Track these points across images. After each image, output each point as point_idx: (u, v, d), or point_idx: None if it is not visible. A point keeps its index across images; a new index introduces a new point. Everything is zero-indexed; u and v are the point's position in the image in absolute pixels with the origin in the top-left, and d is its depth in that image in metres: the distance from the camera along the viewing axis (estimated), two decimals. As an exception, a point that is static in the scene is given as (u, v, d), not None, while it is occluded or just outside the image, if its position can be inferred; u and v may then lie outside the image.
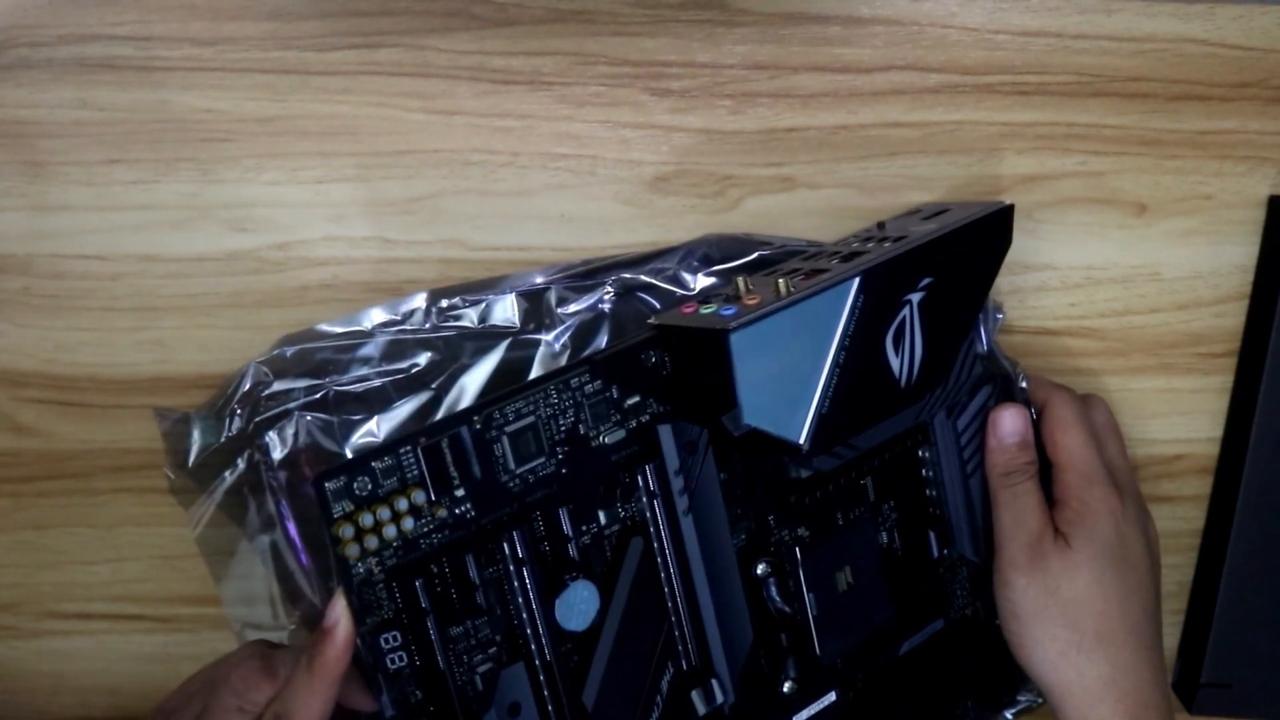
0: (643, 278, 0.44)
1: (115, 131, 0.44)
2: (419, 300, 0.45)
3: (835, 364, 0.39)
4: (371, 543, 0.36)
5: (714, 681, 0.42)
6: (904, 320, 0.40)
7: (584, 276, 0.45)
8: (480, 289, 0.45)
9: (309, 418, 0.43)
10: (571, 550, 0.39)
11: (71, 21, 0.42)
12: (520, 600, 0.38)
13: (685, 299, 0.44)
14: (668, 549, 0.41)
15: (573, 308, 0.44)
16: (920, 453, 0.45)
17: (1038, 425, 0.46)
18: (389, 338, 0.44)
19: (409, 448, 0.36)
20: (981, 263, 0.43)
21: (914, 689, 0.47)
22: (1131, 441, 0.50)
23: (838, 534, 0.44)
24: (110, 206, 0.45)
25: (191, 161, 0.44)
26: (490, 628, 0.38)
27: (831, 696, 0.45)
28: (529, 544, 0.38)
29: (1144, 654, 0.44)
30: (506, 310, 0.44)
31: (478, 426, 0.37)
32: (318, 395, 0.43)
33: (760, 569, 0.43)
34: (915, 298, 0.40)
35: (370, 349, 0.44)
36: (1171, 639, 0.54)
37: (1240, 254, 0.49)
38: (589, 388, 0.39)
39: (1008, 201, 0.43)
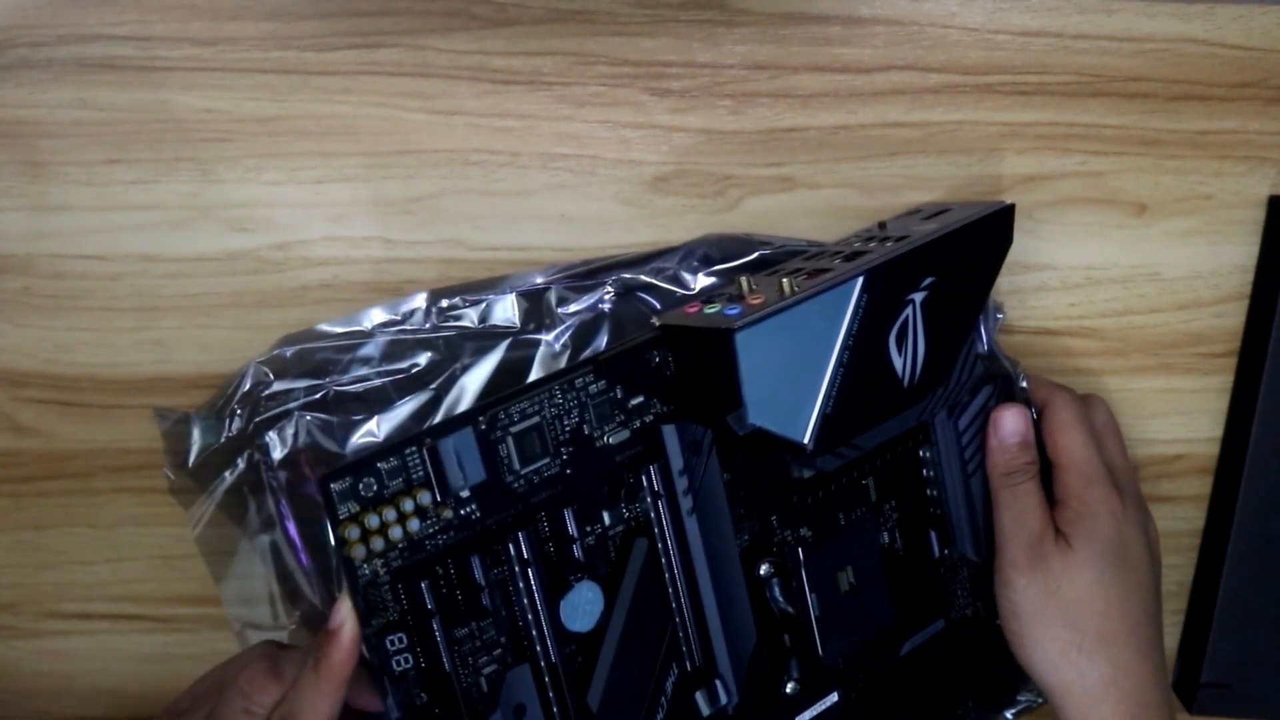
0: (643, 278, 0.44)
1: (115, 131, 0.44)
2: (419, 300, 0.45)
3: (839, 363, 0.39)
4: (377, 544, 0.35)
5: (718, 682, 0.42)
6: (907, 320, 0.40)
7: (584, 276, 0.45)
8: (480, 289, 0.45)
9: (309, 418, 0.43)
10: (576, 551, 0.39)
11: (71, 21, 0.42)
12: (525, 601, 0.38)
13: (686, 299, 0.44)
14: (672, 549, 0.41)
15: (573, 308, 0.44)
16: (921, 453, 0.45)
17: (1038, 425, 0.46)
18: (389, 338, 0.44)
19: (414, 448, 0.36)
20: (983, 262, 0.43)
21: (914, 689, 0.47)
22: (1131, 441, 0.50)
23: (840, 534, 0.44)
24: (110, 206, 0.45)
25: (191, 161, 0.44)
26: (495, 629, 0.38)
27: (834, 697, 0.45)
28: (534, 545, 0.38)
29: (1145, 654, 0.44)
30: (506, 310, 0.44)
31: (483, 427, 0.37)
32: (318, 395, 0.43)
33: (763, 569, 0.43)
34: (918, 297, 0.40)
35: (370, 349, 0.44)
36: (1171, 639, 0.54)
37: (1240, 254, 0.49)
38: (593, 388, 0.38)
39: (1008, 201, 0.43)
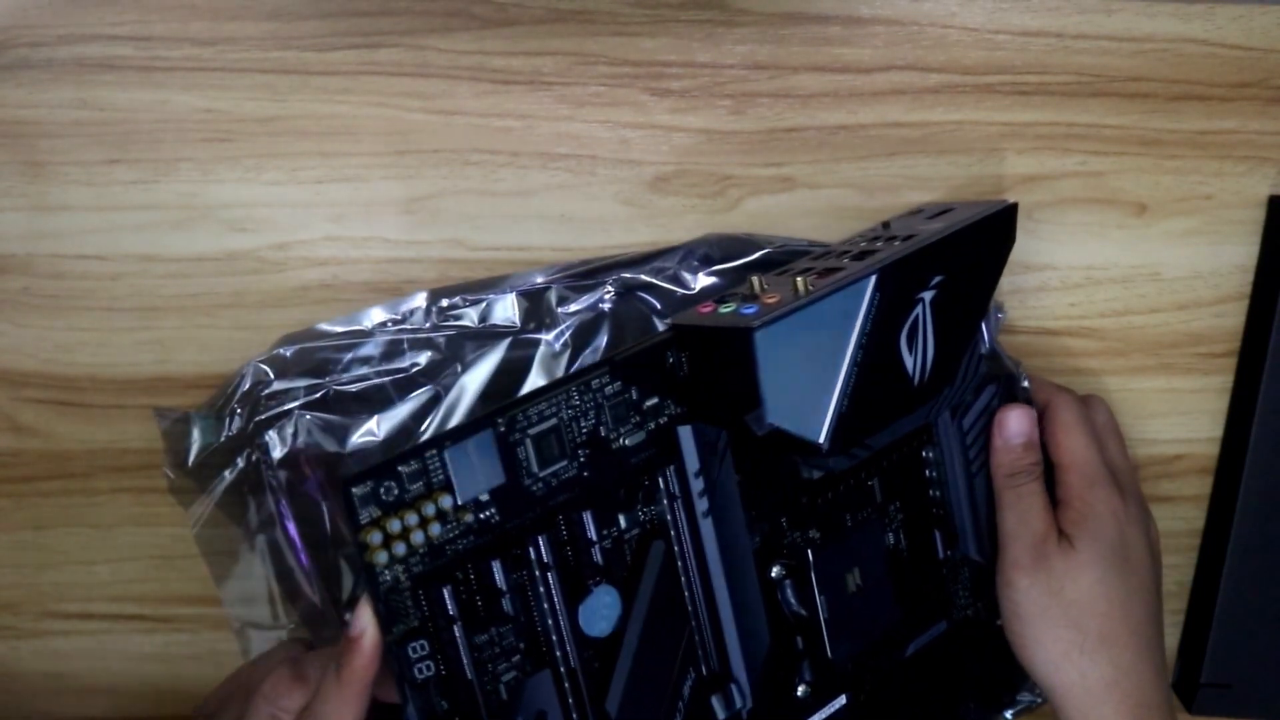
0: (643, 277, 0.44)
1: (115, 131, 0.44)
2: (419, 300, 0.45)
3: (854, 362, 0.38)
4: (399, 549, 0.34)
5: (733, 686, 0.42)
6: (917, 318, 0.40)
7: (584, 276, 0.45)
8: (480, 289, 0.45)
9: (309, 417, 0.43)
10: (596, 555, 0.38)
11: (71, 21, 0.42)
12: (546, 606, 0.37)
13: (687, 299, 0.44)
14: (688, 552, 0.40)
15: (573, 307, 0.44)
16: (924, 453, 0.45)
17: (1040, 426, 0.46)
18: (389, 337, 0.44)
19: (434, 451, 0.35)
20: (988, 261, 0.43)
21: (918, 691, 0.47)
22: (1131, 441, 0.50)
23: (847, 535, 0.44)
24: (110, 206, 0.45)
25: (191, 161, 0.44)
26: (514, 635, 0.37)
27: (842, 700, 0.44)
28: (555, 549, 0.38)
29: (1146, 655, 0.44)
30: (507, 310, 0.44)
31: (502, 429, 0.36)
32: (318, 395, 0.43)
33: (775, 571, 0.42)
34: (927, 296, 0.40)
35: (370, 348, 0.44)
36: (1171, 639, 0.54)
37: (1240, 254, 0.49)
38: (609, 389, 0.38)
39: (1011, 200, 0.43)
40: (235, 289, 0.46)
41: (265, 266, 0.45)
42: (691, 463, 0.40)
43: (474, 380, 0.44)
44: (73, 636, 0.50)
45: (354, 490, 0.33)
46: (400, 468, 0.34)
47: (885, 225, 0.44)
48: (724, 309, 0.38)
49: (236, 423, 0.44)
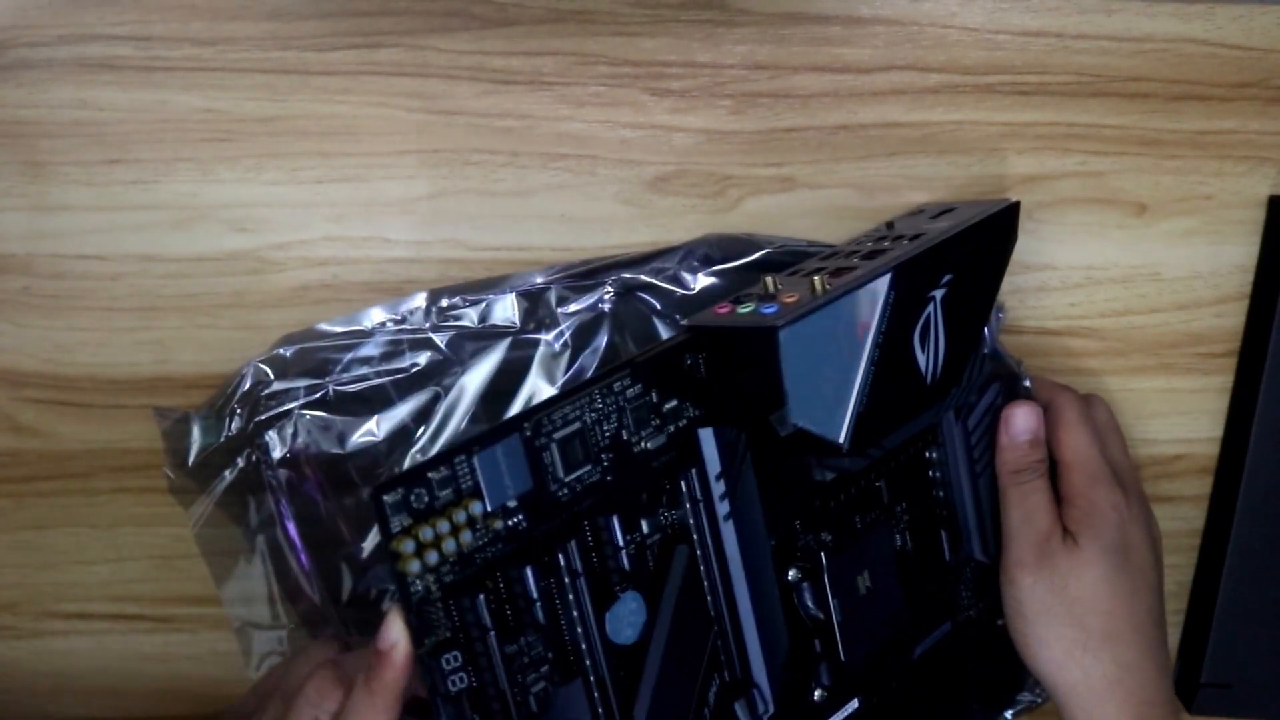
0: (643, 277, 0.44)
1: (115, 131, 0.44)
2: (419, 300, 0.45)
3: (871, 361, 0.38)
4: (431, 558, 0.33)
5: (755, 692, 0.41)
6: (929, 317, 0.40)
7: (584, 276, 0.45)
8: (480, 289, 0.45)
9: (309, 417, 0.43)
10: (623, 561, 0.38)
11: (71, 21, 0.42)
12: (575, 614, 0.37)
13: (686, 298, 0.44)
14: (711, 556, 0.40)
15: (573, 307, 0.44)
16: (928, 454, 0.45)
17: None
18: (389, 337, 0.44)
19: (463, 457, 0.34)
20: (992, 260, 0.43)
21: (924, 692, 0.47)
22: (1132, 441, 0.50)
23: (857, 537, 0.43)
24: (110, 206, 0.45)
25: (191, 161, 0.44)
26: (543, 645, 0.36)
27: (855, 704, 0.44)
28: (584, 555, 0.37)
29: (1149, 653, 0.44)
30: (507, 310, 0.44)
31: (528, 433, 0.35)
32: (317, 395, 0.43)
33: (791, 574, 0.42)
34: (938, 294, 0.40)
35: (370, 348, 0.44)
36: (1171, 639, 0.54)
37: (1240, 254, 0.49)
38: (630, 392, 0.37)
39: (1013, 199, 0.43)
40: (235, 289, 0.46)
41: (265, 266, 0.45)
42: (713, 465, 0.39)
43: (474, 380, 0.44)
44: (73, 636, 0.50)
45: (385, 498, 0.33)
46: (430, 474, 0.33)
47: (889, 225, 0.44)
48: (742, 309, 0.38)
49: (236, 423, 0.44)
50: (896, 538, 0.45)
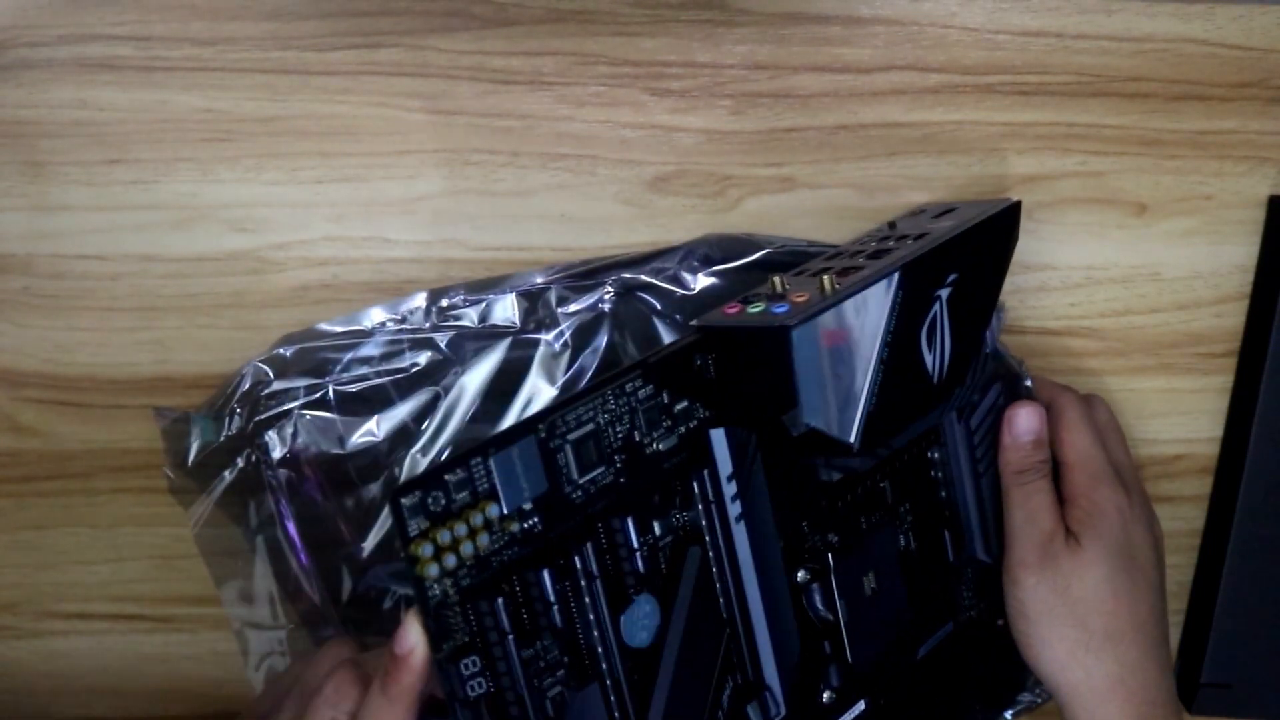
0: (643, 277, 0.44)
1: (115, 131, 0.44)
2: (419, 300, 0.45)
3: (880, 360, 0.38)
4: (449, 561, 0.33)
5: (767, 694, 0.41)
6: (935, 316, 0.40)
7: (584, 276, 0.45)
8: (480, 289, 0.45)
9: (309, 417, 0.43)
10: (638, 563, 0.37)
11: (71, 21, 0.42)
12: (591, 617, 0.36)
13: (686, 299, 0.44)
14: (723, 558, 0.39)
15: (573, 307, 0.44)
16: (930, 454, 0.45)
17: None
18: (389, 337, 0.44)
19: (479, 459, 0.33)
20: (995, 259, 0.43)
21: (926, 693, 0.46)
22: (1132, 441, 0.50)
23: (863, 538, 0.43)
24: (110, 206, 0.45)
25: (191, 161, 0.44)
26: (558, 649, 0.36)
27: (862, 705, 0.44)
28: (599, 558, 0.37)
29: (1151, 653, 0.44)
30: (506, 310, 0.44)
31: (543, 435, 0.35)
32: (317, 394, 0.43)
33: (800, 576, 0.41)
34: (944, 294, 0.40)
35: (370, 348, 0.44)
36: (1172, 639, 0.54)
37: (1240, 254, 0.49)
38: (641, 393, 0.37)
39: (1014, 199, 0.43)
40: (235, 289, 0.46)
41: (265, 266, 0.45)
42: (724, 466, 0.39)
43: (474, 380, 0.44)
44: (73, 636, 0.50)
45: (403, 501, 0.32)
46: (446, 476, 0.33)
47: (891, 225, 0.44)
48: (752, 309, 0.38)
49: (236, 422, 0.44)
50: (900, 538, 0.45)
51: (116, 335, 0.46)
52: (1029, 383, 0.47)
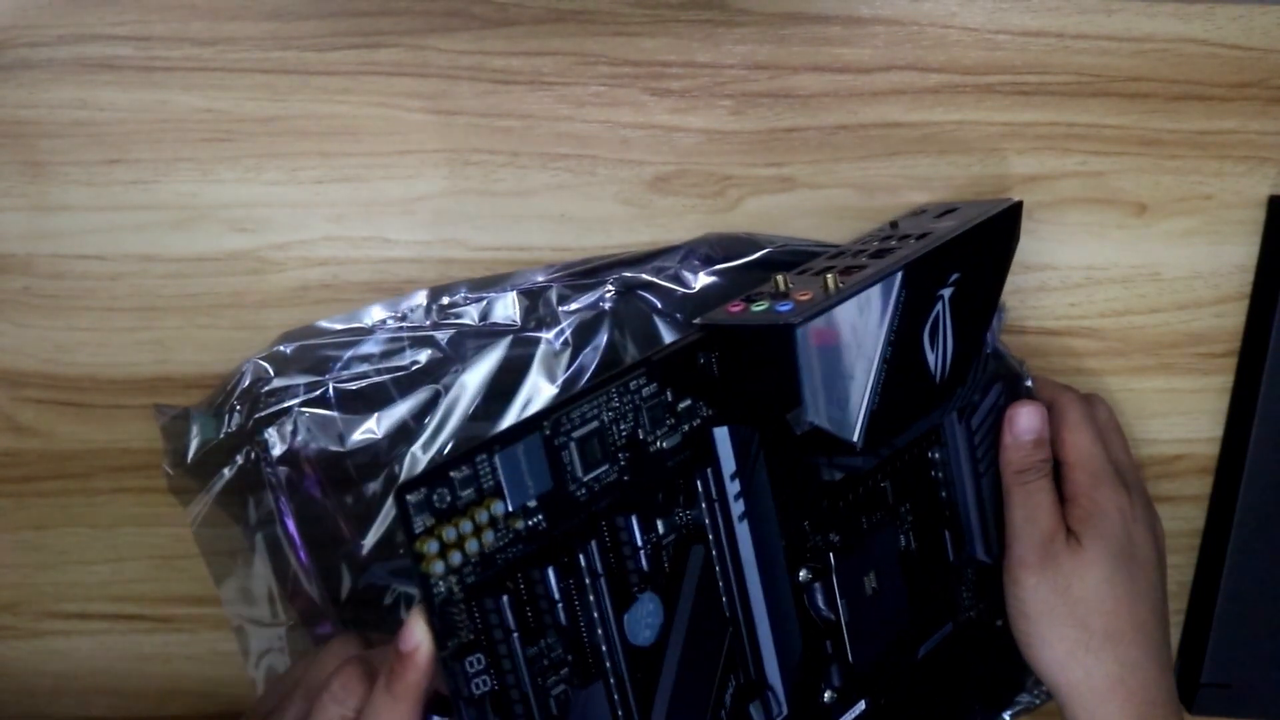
0: (644, 276, 0.44)
1: (115, 131, 0.44)
2: (419, 298, 0.45)
3: (883, 359, 0.38)
4: (455, 559, 0.33)
5: (769, 694, 0.41)
6: (938, 316, 0.40)
7: (585, 275, 0.45)
8: (481, 287, 0.45)
9: (309, 414, 0.43)
10: (642, 561, 0.37)
11: (71, 21, 0.42)
12: (595, 615, 0.36)
13: (687, 298, 0.44)
14: (726, 556, 0.39)
15: (573, 306, 0.44)
16: (931, 454, 0.45)
17: None
18: (389, 335, 0.44)
19: (484, 456, 0.33)
20: (996, 259, 0.43)
21: (926, 693, 0.46)
22: (1132, 441, 0.50)
23: (864, 538, 0.43)
24: (110, 206, 0.45)
25: (191, 161, 0.44)
26: (562, 647, 0.36)
27: (862, 705, 0.44)
28: (604, 556, 0.37)
29: (1152, 653, 0.44)
30: (507, 308, 0.44)
31: (548, 432, 0.35)
32: (317, 392, 0.43)
33: (802, 575, 0.41)
34: (947, 293, 0.40)
35: (370, 346, 0.44)
36: (1172, 639, 0.54)
37: (1240, 254, 0.49)
38: (645, 391, 0.37)
39: (1014, 199, 0.43)
40: (235, 289, 0.46)
41: (265, 266, 0.45)
42: (728, 465, 0.39)
43: (474, 378, 0.44)
44: (73, 636, 0.50)
45: (408, 498, 0.32)
46: (452, 473, 0.33)
47: (893, 225, 0.44)
48: (756, 307, 0.38)
49: (236, 419, 0.44)
50: (901, 538, 0.45)
51: (116, 335, 0.46)
52: (1030, 383, 0.47)
